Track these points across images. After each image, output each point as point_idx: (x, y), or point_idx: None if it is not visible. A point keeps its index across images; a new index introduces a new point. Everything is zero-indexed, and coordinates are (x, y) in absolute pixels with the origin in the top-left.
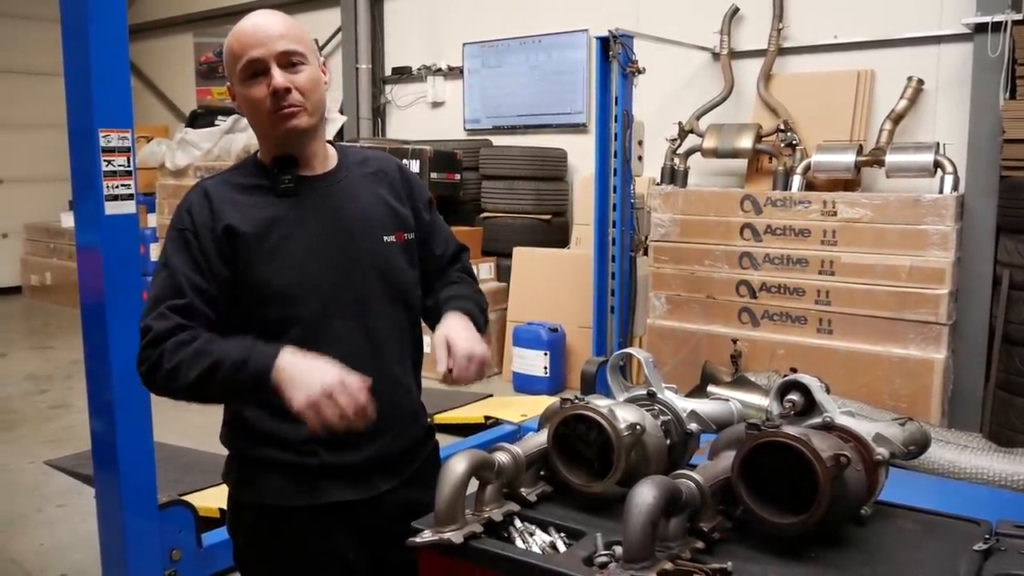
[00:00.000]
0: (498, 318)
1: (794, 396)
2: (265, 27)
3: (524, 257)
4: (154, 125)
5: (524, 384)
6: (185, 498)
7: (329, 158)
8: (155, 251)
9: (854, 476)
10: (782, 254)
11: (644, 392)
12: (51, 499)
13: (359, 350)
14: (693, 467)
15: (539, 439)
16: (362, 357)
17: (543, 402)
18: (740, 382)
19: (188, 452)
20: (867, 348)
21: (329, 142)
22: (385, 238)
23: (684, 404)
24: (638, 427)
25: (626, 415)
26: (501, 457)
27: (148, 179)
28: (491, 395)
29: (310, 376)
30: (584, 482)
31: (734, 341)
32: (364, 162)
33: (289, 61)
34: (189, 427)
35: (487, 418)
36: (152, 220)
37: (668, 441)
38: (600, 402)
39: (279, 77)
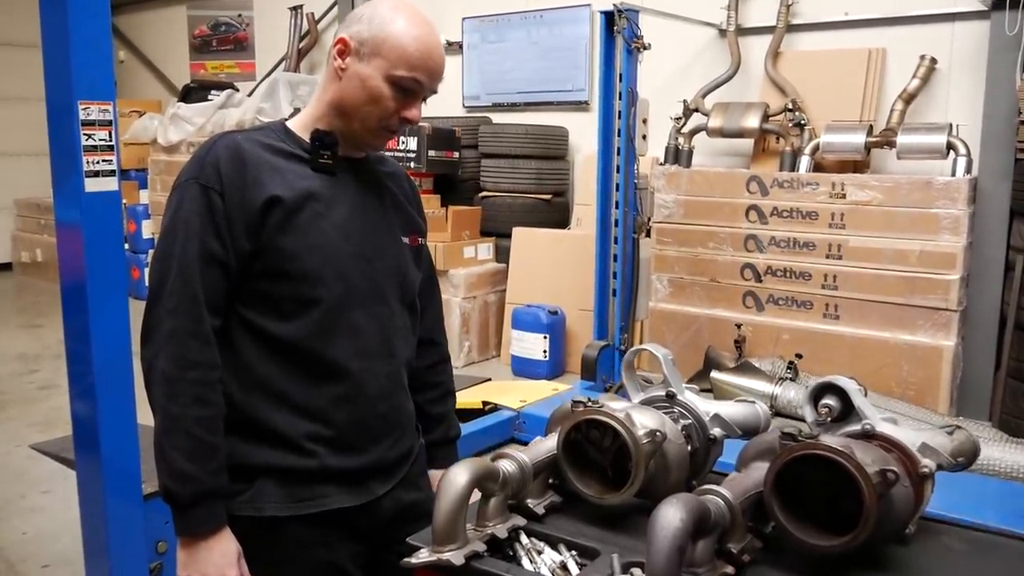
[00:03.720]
0: (497, 300)
1: (830, 401)
2: (440, 62)
3: (524, 237)
4: (147, 100)
5: (523, 368)
6: None
7: None
8: (147, 228)
9: (901, 493)
10: (788, 237)
11: (663, 393)
12: (36, 485)
13: (375, 345)
14: (716, 474)
15: (547, 445)
16: (378, 353)
17: (542, 387)
18: (744, 368)
19: None
20: (875, 334)
21: None
22: (402, 238)
23: (707, 407)
24: (658, 434)
25: (645, 420)
26: (506, 466)
27: (140, 154)
28: (489, 379)
29: (205, 565)
30: (598, 493)
31: (738, 326)
32: (381, 161)
33: (425, 97)
34: None
35: (485, 404)
36: (144, 196)
37: (689, 447)
38: (615, 405)
39: (417, 112)
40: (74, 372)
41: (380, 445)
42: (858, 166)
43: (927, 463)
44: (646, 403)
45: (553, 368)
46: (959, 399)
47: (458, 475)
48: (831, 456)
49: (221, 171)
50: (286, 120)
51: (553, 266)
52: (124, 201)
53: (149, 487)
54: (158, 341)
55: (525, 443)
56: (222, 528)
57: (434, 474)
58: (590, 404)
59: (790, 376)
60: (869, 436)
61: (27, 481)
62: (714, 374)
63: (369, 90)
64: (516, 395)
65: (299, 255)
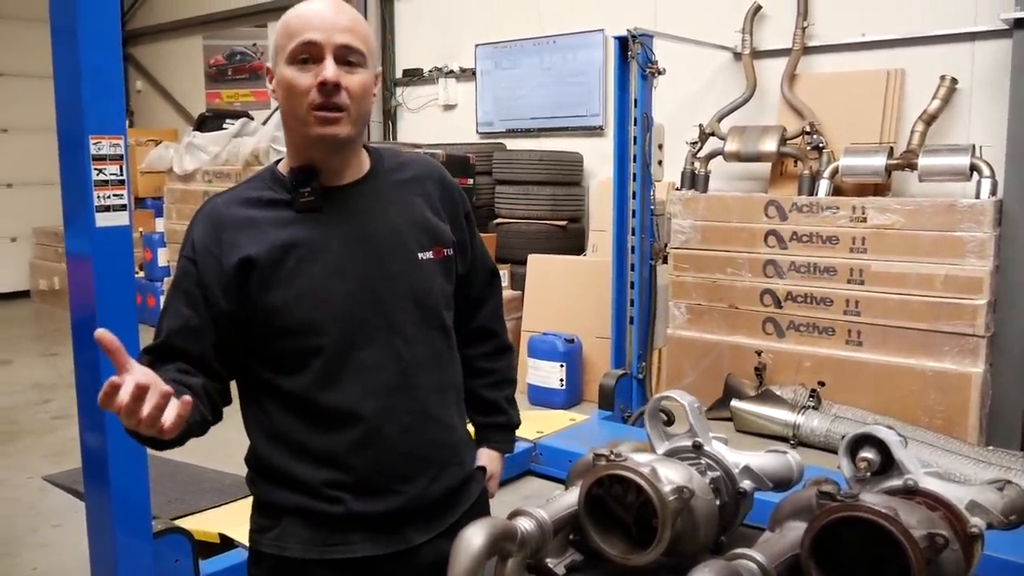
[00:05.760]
0: (512, 328)
1: (868, 454)
2: (331, 14)
3: (539, 264)
4: (163, 128)
5: (539, 397)
6: (183, 521)
7: (361, 165)
8: (163, 256)
9: (949, 557)
10: (809, 262)
11: (689, 443)
12: (48, 518)
13: (391, 382)
14: (746, 528)
15: (568, 500)
16: (396, 389)
17: (559, 417)
18: (766, 396)
19: (190, 468)
20: (899, 361)
21: (363, 145)
22: (420, 255)
23: (735, 458)
24: (685, 490)
25: (671, 475)
26: (524, 524)
27: (157, 183)
28: None
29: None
30: (622, 553)
31: (758, 353)
32: (399, 167)
33: (347, 58)
34: (194, 441)
35: None
36: (160, 224)
37: (718, 502)
38: (640, 458)
39: (331, 69)
40: (84, 404)
41: (414, 484)
42: (878, 189)
43: (976, 523)
44: (671, 454)
45: (570, 397)
46: (988, 427)
47: (473, 537)
48: (874, 520)
49: (196, 241)
50: (279, 161)
51: (569, 293)
52: (140, 229)
53: (159, 524)
54: None
55: (542, 476)
56: None
57: (483, 452)
58: (613, 457)
59: (813, 405)
60: (912, 492)
61: (39, 514)
62: (735, 403)
63: (283, 85)
64: (533, 426)
65: (288, 308)
